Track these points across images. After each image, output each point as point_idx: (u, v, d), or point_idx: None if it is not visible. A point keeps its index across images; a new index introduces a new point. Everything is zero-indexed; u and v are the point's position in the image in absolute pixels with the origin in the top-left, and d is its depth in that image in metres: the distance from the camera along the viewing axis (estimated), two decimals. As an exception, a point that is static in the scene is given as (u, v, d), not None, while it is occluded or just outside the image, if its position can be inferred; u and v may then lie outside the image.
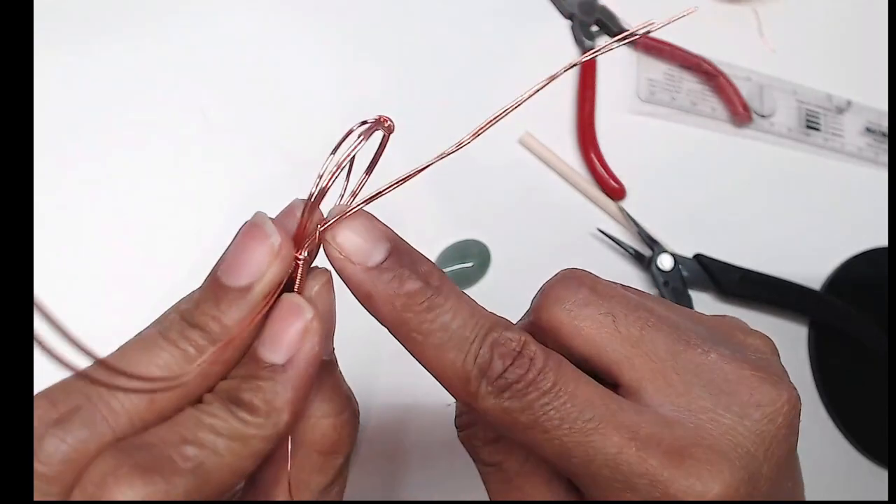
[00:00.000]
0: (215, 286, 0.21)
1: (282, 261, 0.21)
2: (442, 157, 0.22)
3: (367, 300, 0.22)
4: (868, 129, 0.60)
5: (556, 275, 0.24)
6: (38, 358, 0.17)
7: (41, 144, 0.45)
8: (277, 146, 0.50)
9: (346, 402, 0.24)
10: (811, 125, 0.59)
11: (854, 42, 0.62)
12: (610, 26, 0.57)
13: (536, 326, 0.24)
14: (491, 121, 0.23)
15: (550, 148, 0.53)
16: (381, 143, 0.22)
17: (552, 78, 0.23)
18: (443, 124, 0.53)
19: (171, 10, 0.52)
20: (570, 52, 0.57)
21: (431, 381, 0.23)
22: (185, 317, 0.21)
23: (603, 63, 0.57)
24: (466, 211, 0.50)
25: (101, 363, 0.18)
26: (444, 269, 0.48)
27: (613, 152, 0.54)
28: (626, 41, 0.22)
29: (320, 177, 0.22)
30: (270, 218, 0.22)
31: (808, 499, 0.25)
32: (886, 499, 0.50)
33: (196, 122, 0.50)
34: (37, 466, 0.18)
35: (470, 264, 0.48)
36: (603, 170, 0.53)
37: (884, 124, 0.61)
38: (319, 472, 0.23)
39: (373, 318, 0.23)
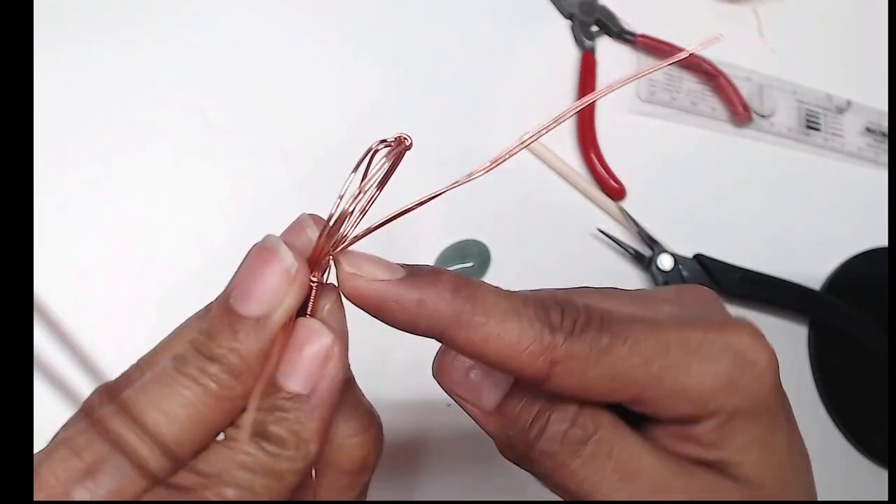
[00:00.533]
0: (230, 315, 0.20)
1: (299, 287, 0.20)
2: (455, 185, 0.22)
3: (418, 305, 0.21)
4: (868, 129, 0.60)
5: None
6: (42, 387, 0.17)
7: (41, 144, 0.45)
8: (277, 146, 0.50)
9: (370, 419, 0.24)
10: (811, 125, 0.59)
11: (854, 42, 0.62)
12: (610, 26, 0.57)
13: None
14: (512, 150, 0.23)
15: (550, 148, 0.53)
16: (393, 161, 0.22)
17: (574, 110, 0.23)
18: (443, 124, 0.53)
19: (171, 10, 0.52)
20: (571, 52, 0.57)
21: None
22: (202, 350, 0.20)
23: (603, 63, 0.57)
24: (466, 211, 0.50)
25: (123, 409, 0.18)
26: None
27: (613, 152, 0.54)
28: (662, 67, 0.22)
29: (341, 198, 0.21)
30: (285, 241, 0.21)
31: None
32: (886, 499, 0.50)
33: (196, 122, 0.50)
34: None
35: (470, 264, 0.48)
36: (603, 170, 0.53)
37: (884, 124, 0.61)
38: (349, 490, 0.23)
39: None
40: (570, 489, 0.22)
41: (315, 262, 0.21)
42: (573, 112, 0.22)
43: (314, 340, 0.20)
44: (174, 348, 0.22)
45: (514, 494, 0.45)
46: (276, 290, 0.20)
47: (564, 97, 0.55)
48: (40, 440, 0.22)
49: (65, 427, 0.21)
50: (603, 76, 0.56)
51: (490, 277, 0.49)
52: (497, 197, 0.52)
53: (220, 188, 0.49)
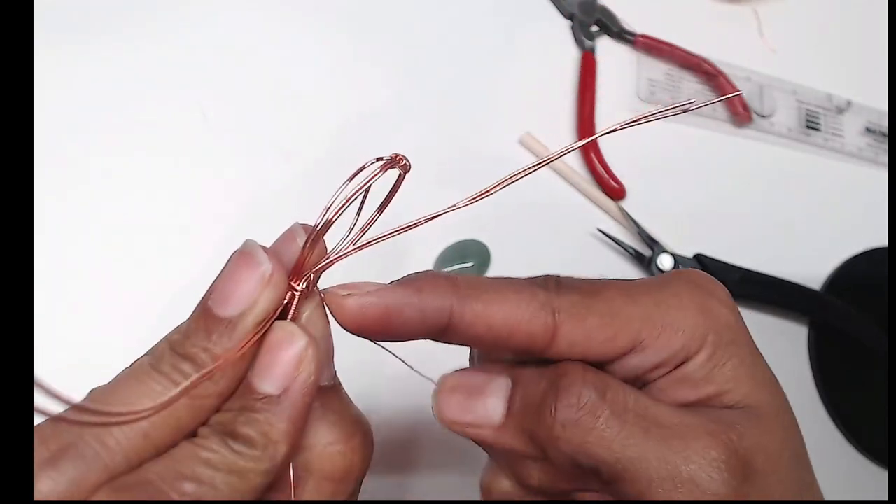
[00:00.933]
0: (206, 316, 0.20)
1: (273, 289, 0.21)
2: (452, 209, 0.24)
3: (421, 298, 0.22)
4: (868, 129, 0.60)
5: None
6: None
7: (41, 144, 0.45)
8: (277, 146, 0.50)
9: (355, 427, 0.23)
10: (811, 125, 0.59)
11: (854, 42, 0.62)
12: (610, 26, 0.57)
13: None
14: (529, 168, 0.24)
15: (550, 148, 0.53)
16: (395, 184, 0.22)
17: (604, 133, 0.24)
18: (443, 124, 0.53)
19: (171, 10, 0.52)
20: (571, 52, 0.57)
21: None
22: (176, 348, 0.20)
23: (603, 63, 0.57)
24: (466, 211, 0.50)
25: (89, 400, 0.18)
26: (444, 269, 0.48)
27: (613, 152, 0.54)
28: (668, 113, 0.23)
29: (327, 209, 0.21)
30: (263, 246, 0.22)
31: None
32: (886, 499, 0.49)
33: (196, 122, 0.50)
34: None
35: (470, 264, 0.48)
36: (603, 170, 0.53)
37: (884, 124, 0.61)
38: (332, 498, 0.23)
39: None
40: (602, 456, 0.22)
41: (299, 271, 0.22)
42: (587, 140, 0.23)
43: (288, 343, 0.20)
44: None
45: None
46: (251, 291, 0.20)
47: (564, 97, 0.55)
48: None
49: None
50: (603, 76, 0.56)
51: (490, 277, 0.49)
52: (497, 197, 0.52)
53: (219, 188, 0.49)
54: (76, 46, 0.50)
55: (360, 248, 0.22)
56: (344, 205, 0.21)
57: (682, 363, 0.24)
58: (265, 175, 0.49)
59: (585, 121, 0.54)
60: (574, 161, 0.54)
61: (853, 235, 0.56)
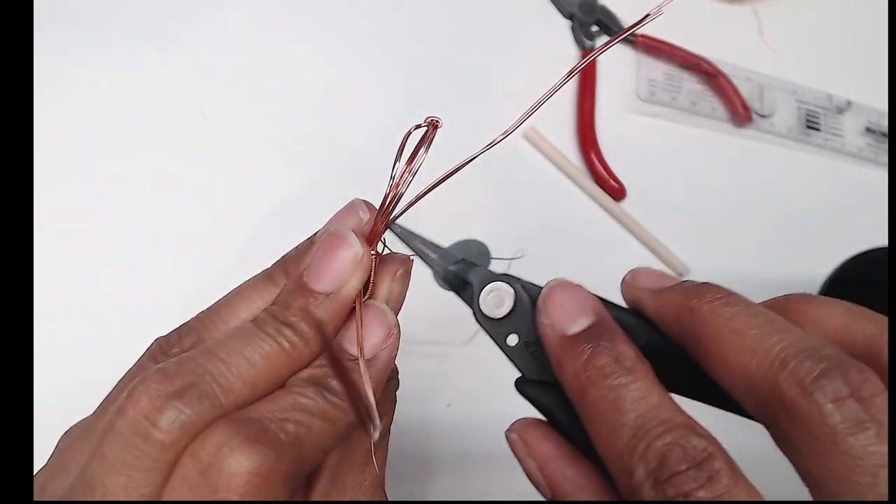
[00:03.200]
0: (304, 290, 0.23)
1: (363, 270, 0.24)
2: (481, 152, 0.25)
3: (557, 366, 0.23)
4: (868, 129, 0.60)
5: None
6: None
7: (41, 144, 0.45)
8: (277, 146, 0.50)
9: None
10: (811, 125, 0.59)
11: (854, 42, 0.62)
12: (610, 26, 0.57)
13: None
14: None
15: (553, 143, 0.53)
16: (423, 137, 0.25)
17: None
18: (445, 122, 0.53)
19: (172, 10, 0.52)
20: (571, 52, 0.57)
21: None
22: (277, 316, 0.23)
23: (603, 63, 0.57)
24: (466, 211, 0.50)
25: (211, 350, 0.22)
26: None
27: (613, 152, 0.54)
28: None
29: (393, 178, 0.24)
30: (353, 230, 0.24)
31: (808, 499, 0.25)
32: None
33: (196, 122, 0.50)
34: (156, 433, 0.20)
35: (470, 264, 0.48)
36: (603, 170, 0.53)
37: (884, 124, 0.61)
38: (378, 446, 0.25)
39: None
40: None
41: (371, 239, 0.25)
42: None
43: (381, 320, 0.24)
44: (237, 307, 0.25)
45: (513, 495, 0.45)
46: (345, 271, 0.23)
47: (564, 97, 0.55)
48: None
49: (134, 370, 0.24)
50: (603, 76, 0.56)
51: (490, 277, 0.49)
52: (497, 197, 0.52)
53: (219, 188, 0.49)
54: (76, 46, 0.50)
55: (410, 203, 0.25)
56: (404, 175, 0.24)
57: None
58: (265, 175, 0.49)
59: (586, 121, 0.54)
60: (574, 161, 0.54)
61: (853, 235, 0.56)
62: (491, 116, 0.55)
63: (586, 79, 0.55)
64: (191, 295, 0.25)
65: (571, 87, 0.56)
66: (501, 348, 0.26)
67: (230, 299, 0.25)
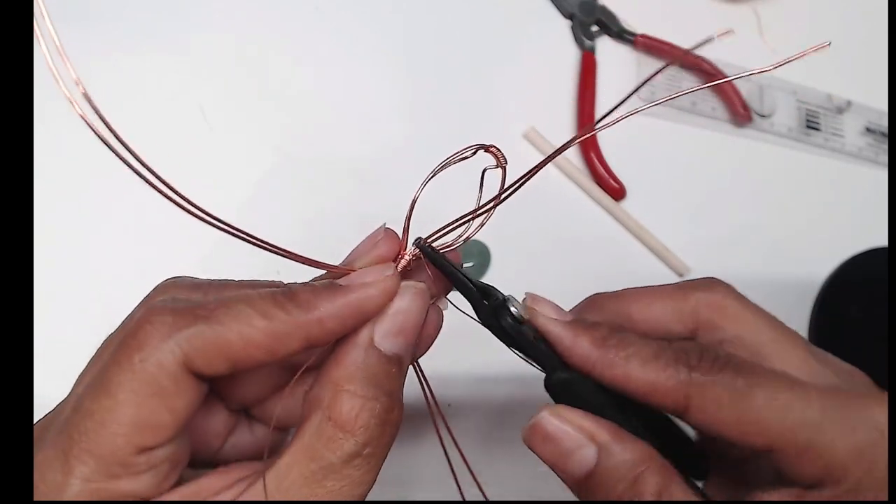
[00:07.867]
0: (335, 288, 0.26)
1: (389, 294, 0.27)
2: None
3: (576, 345, 0.26)
4: (868, 129, 0.60)
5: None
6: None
7: (40, 144, 0.45)
8: (277, 146, 0.50)
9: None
10: (811, 125, 0.59)
11: (854, 42, 0.62)
12: (610, 26, 0.57)
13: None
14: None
15: (553, 143, 0.53)
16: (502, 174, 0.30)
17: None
18: (443, 124, 0.53)
19: (171, 11, 0.52)
20: (571, 52, 0.57)
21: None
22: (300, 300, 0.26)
23: (603, 63, 0.57)
24: (466, 211, 0.50)
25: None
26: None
27: (613, 152, 0.54)
28: None
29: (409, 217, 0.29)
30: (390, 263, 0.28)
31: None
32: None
33: (196, 122, 0.50)
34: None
35: (470, 264, 0.48)
36: (603, 170, 0.53)
37: (884, 124, 0.61)
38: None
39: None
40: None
41: (397, 256, 0.29)
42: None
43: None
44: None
45: (513, 494, 0.45)
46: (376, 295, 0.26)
47: (564, 97, 0.55)
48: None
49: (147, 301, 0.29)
50: (603, 76, 0.56)
51: (490, 277, 0.49)
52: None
53: (219, 187, 0.49)
54: (76, 46, 0.50)
55: (443, 231, 0.31)
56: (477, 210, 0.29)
57: (813, 487, 0.24)
58: (265, 175, 0.49)
59: (586, 121, 0.54)
60: (575, 161, 0.54)
61: (853, 235, 0.56)
62: (491, 116, 0.55)
63: (586, 79, 0.55)
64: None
65: (571, 87, 0.56)
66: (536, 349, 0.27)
67: (239, 284, 0.27)
